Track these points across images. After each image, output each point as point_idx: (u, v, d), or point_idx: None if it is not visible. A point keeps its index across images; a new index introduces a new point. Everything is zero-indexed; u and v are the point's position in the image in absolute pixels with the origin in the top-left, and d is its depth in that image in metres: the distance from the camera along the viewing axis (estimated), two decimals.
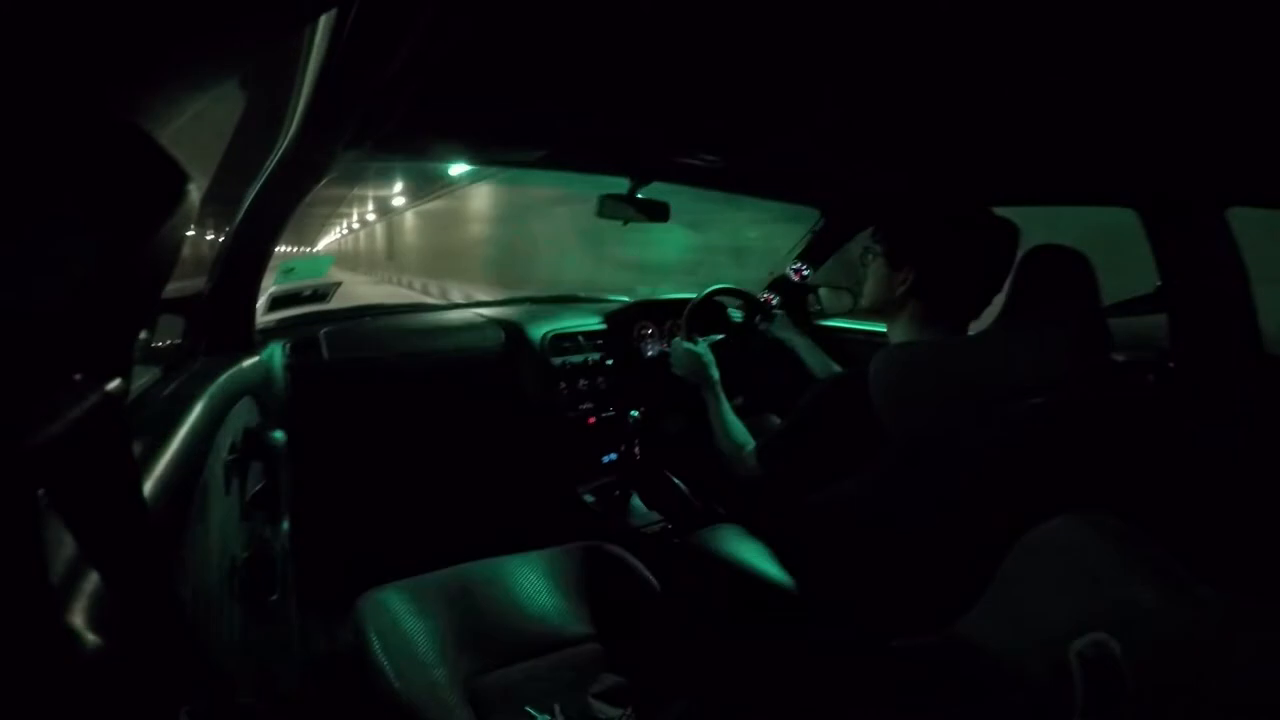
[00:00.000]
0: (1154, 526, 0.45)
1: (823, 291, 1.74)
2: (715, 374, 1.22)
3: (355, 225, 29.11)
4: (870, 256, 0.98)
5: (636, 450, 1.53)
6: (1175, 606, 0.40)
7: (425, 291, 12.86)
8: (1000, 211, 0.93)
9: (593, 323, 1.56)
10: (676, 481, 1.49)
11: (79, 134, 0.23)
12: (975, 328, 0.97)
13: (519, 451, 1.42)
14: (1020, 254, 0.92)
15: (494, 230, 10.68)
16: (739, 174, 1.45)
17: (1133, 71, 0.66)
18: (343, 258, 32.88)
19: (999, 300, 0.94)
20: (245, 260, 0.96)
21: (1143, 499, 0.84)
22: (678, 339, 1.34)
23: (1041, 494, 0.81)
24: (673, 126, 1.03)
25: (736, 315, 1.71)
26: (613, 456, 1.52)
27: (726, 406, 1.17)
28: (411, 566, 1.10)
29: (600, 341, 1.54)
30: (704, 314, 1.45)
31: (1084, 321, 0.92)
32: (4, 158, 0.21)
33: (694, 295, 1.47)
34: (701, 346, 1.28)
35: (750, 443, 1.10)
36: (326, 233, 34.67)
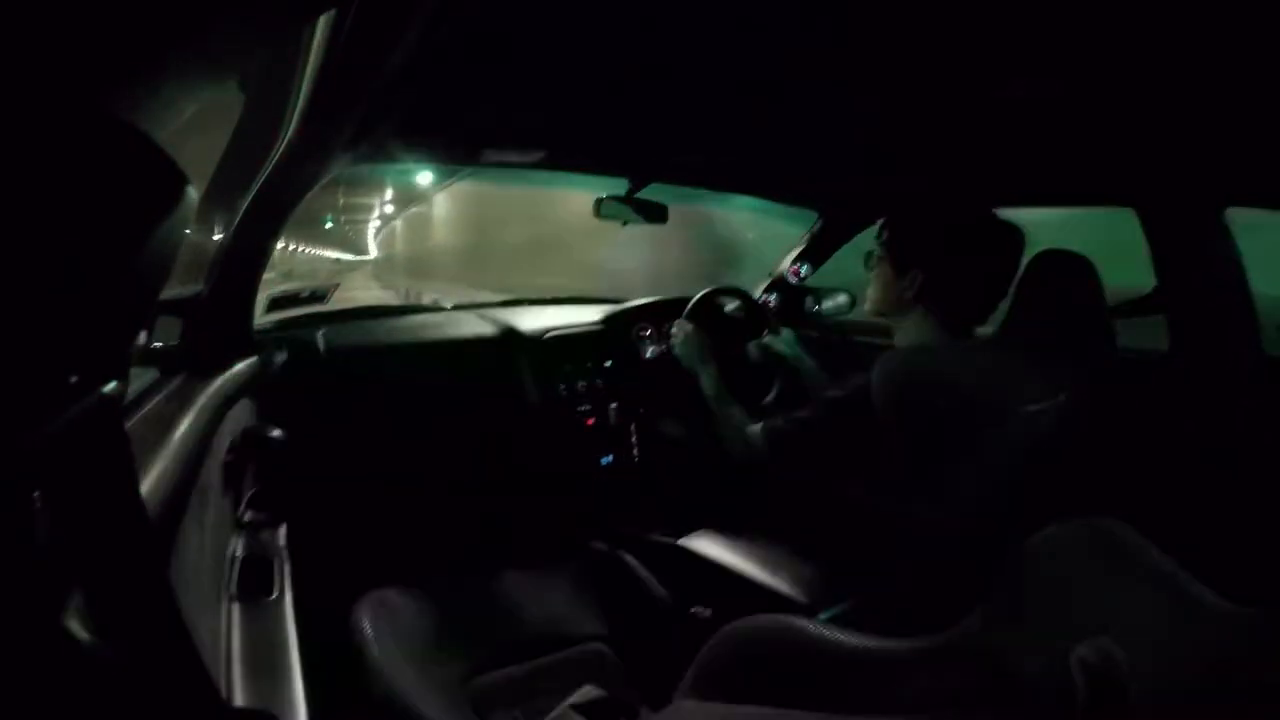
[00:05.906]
0: (1155, 530, 0.45)
1: (821, 292, 1.74)
2: (711, 357, 1.22)
3: (390, 210, 23.60)
4: (875, 260, 0.97)
5: (635, 453, 1.52)
6: (1178, 612, 0.39)
7: None
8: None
9: (591, 324, 1.56)
10: (673, 483, 1.49)
11: (77, 134, 0.23)
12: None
13: (517, 453, 1.41)
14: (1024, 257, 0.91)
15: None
16: (738, 175, 1.45)
17: (1132, 72, 0.66)
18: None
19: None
20: (243, 262, 0.96)
21: (1144, 503, 0.84)
22: (681, 321, 1.34)
23: (1044, 499, 0.81)
24: (672, 126, 1.03)
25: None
26: (610, 458, 1.52)
27: (724, 389, 1.16)
28: (410, 566, 1.10)
29: (599, 342, 1.54)
30: (705, 311, 1.45)
31: (1088, 325, 0.92)
32: (1, 158, 0.21)
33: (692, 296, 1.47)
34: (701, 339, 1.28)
35: (751, 424, 1.08)
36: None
